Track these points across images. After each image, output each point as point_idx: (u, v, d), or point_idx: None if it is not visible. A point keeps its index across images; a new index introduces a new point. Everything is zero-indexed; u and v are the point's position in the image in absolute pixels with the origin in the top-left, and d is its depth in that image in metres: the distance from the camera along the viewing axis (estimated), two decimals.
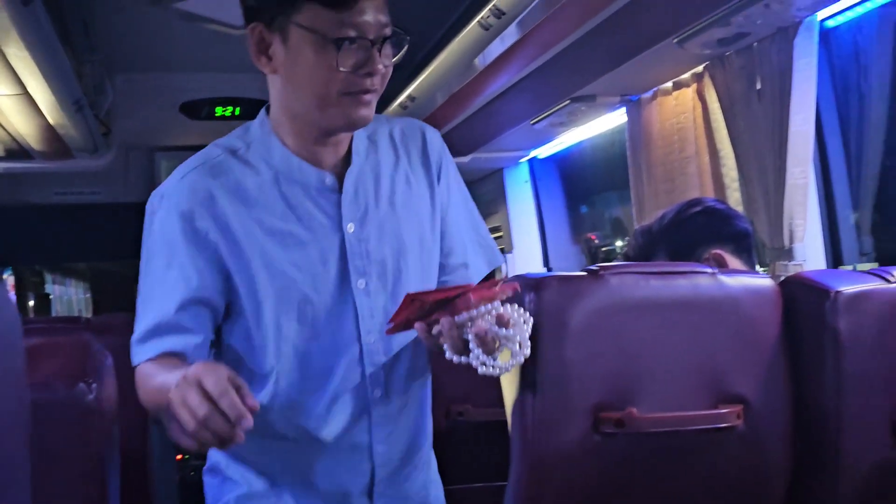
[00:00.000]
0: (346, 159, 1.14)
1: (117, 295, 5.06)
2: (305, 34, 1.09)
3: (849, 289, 1.22)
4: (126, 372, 1.11)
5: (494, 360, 0.92)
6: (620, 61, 2.19)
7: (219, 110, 3.23)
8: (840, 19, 2.08)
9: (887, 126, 2.20)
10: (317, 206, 1.12)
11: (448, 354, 0.94)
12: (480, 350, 0.91)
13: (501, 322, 0.93)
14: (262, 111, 1.19)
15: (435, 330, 0.95)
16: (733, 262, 1.47)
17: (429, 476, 1.27)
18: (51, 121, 2.52)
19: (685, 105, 2.39)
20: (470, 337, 0.91)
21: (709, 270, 1.20)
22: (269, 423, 1.14)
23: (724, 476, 1.14)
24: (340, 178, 1.13)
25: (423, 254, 1.18)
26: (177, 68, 3.05)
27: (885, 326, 1.22)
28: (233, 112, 3.23)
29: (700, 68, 2.27)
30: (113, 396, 1.16)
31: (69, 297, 8.85)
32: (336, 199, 1.12)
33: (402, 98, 2.80)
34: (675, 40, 1.97)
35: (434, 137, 1.24)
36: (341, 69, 1.08)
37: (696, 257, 1.43)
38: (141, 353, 1.08)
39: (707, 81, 2.27)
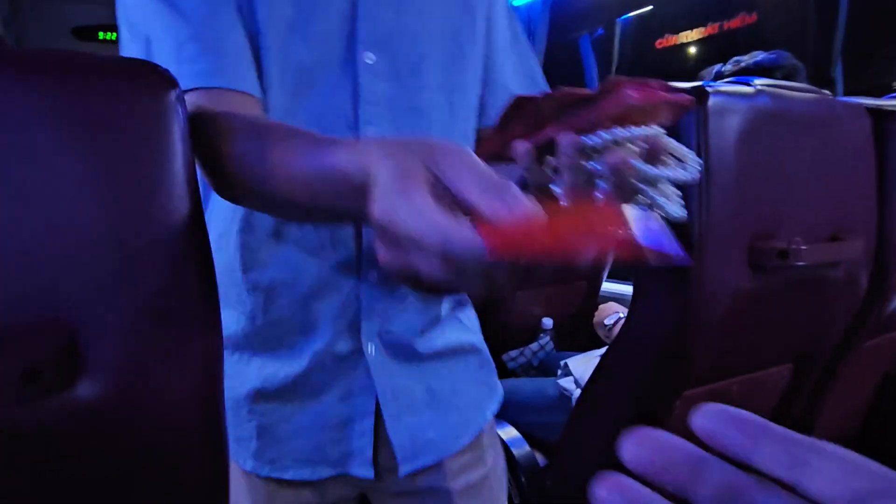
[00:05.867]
0: None
1: None
2: None
3: None
4: None
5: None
6: None
7: (101, 34, 3.59)
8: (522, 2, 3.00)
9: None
10: None
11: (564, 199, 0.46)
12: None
13: (655, 157, 0.44)
14: None
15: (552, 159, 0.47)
16: None
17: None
18: None
19: None
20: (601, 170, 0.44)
21: None
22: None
23: None
24: None
25: (456, 60, 0.78)
26: (72, 1, 3.50)
27: None
28: (112, 37, 3.58)
29: None
30: None
31: None
32: None
33: None
34: None
35: None
36: None
37: None
38: None
39: None
